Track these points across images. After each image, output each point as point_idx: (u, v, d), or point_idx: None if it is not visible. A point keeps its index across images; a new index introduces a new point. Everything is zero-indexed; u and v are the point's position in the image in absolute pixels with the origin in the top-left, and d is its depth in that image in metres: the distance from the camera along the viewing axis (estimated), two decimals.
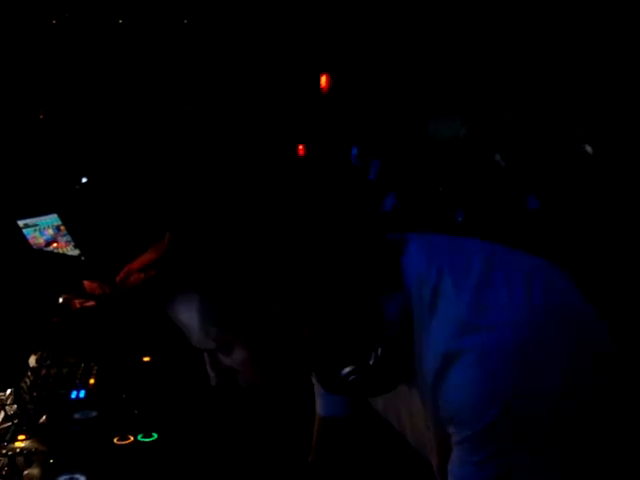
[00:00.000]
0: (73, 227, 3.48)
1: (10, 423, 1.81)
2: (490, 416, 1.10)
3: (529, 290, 1.18)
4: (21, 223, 3.31)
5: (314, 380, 1.45)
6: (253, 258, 1.14)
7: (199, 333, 1.18)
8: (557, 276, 1.26)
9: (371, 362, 1.16)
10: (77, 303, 2.83)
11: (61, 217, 3.48)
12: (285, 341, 1.17)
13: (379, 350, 1.16)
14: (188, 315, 1.17)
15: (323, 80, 5.73)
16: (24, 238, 3.28)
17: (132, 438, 1.76)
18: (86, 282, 3.03)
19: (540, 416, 1.11)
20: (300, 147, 5.55)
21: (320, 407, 1.55)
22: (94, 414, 1.86)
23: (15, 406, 1.88)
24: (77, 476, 1.60)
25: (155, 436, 1.76)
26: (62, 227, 3.46)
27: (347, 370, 1.16)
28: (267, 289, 1.14)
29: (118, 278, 3.13)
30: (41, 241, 3.34)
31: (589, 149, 4.75)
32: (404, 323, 1.18)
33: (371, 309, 1.17)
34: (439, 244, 1.29)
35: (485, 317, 1.15)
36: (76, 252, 3.42)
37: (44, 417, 1.84)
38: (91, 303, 2.86)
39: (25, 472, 1.62)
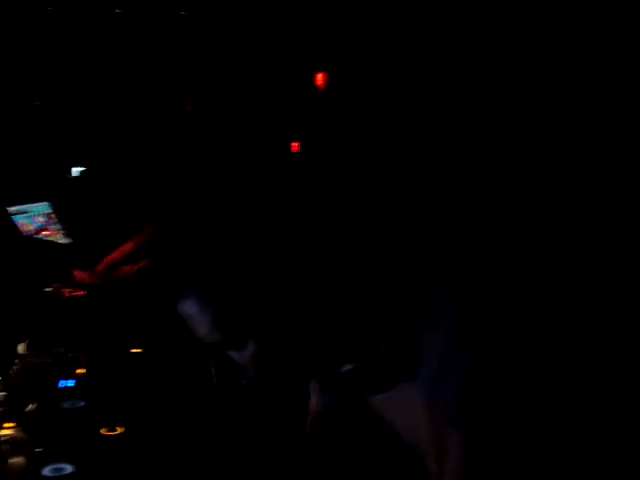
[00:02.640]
0: (64, 216, 3.45)
1: None
2: (488, 419, 1.10)
3: None
4: (12, 209, 3.27)
5: (311, 377, 1.43)
6: (259, 252, 1.13)
7: (206, 327, 1.16)
8: None
9: (374, 360, 1.15)
10: (66, 292, 2.80)
11: (52, 205, 3.44)
12: (288, 338, 1.15)
13: (383, 348, 1.15)
14: (196, 309, 1.15)
15: (319, 78, 5.72)
16: (14, 224, 3.24)
17: (119, 429, 1.74)
18: (76, 271, 3.00)
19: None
20: (294, 144, 5.54)
21: (314, 402, 1.53)
22: (82, 404, 1.84)
23: (2, 393, 1.85)
24: (63, 466, 1.57)
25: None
26: (53, 215, 3.43)
27: (347, 367, 1.15)
28: (272, 283, 1.12)
29: (98, 270, 3.10)
30: (31, 228, 3.30)
31: None
32: (409, 322, 1.16)
33: (377, 307, 1.16)
34: None
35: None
36: (66, 240, 3.39)
37: (31, 405, 1.82)
38: (81, 293, 2.83)
39: (11, 460, 1.59)
